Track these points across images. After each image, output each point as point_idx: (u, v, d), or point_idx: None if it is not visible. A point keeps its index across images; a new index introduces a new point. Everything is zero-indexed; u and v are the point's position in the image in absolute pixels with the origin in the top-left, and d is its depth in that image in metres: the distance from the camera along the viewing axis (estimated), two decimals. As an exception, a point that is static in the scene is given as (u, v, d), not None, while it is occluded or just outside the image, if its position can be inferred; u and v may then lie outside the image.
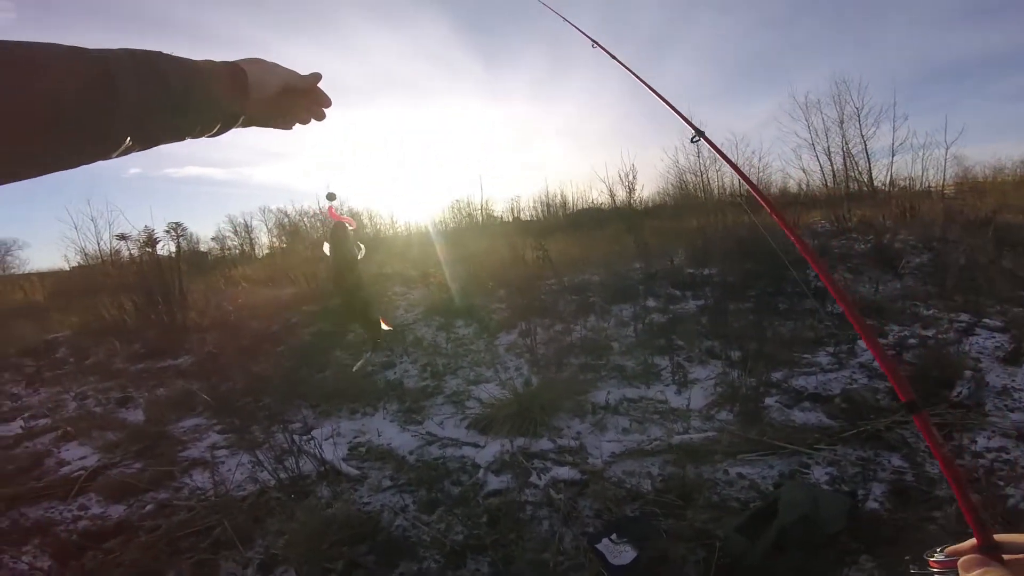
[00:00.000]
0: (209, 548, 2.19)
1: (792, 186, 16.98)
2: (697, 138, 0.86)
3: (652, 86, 1.07)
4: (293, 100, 0.74)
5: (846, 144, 16.98)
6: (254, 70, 0.66)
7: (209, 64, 0.63)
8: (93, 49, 0.52)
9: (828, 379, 3.24)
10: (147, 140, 0.59)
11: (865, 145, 16.63)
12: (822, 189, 16.43)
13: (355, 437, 3.09)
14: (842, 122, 17.04)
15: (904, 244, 6.42)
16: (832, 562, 1.75)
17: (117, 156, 0.58)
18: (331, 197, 0.88)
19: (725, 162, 0.83)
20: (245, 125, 0.71)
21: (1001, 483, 2.11)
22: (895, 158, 15.55)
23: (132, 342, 5.37)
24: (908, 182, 14.16)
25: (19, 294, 8.94)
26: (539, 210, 15.66)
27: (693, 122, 0.89)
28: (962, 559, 0.46)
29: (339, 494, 2.50)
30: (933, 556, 0.48)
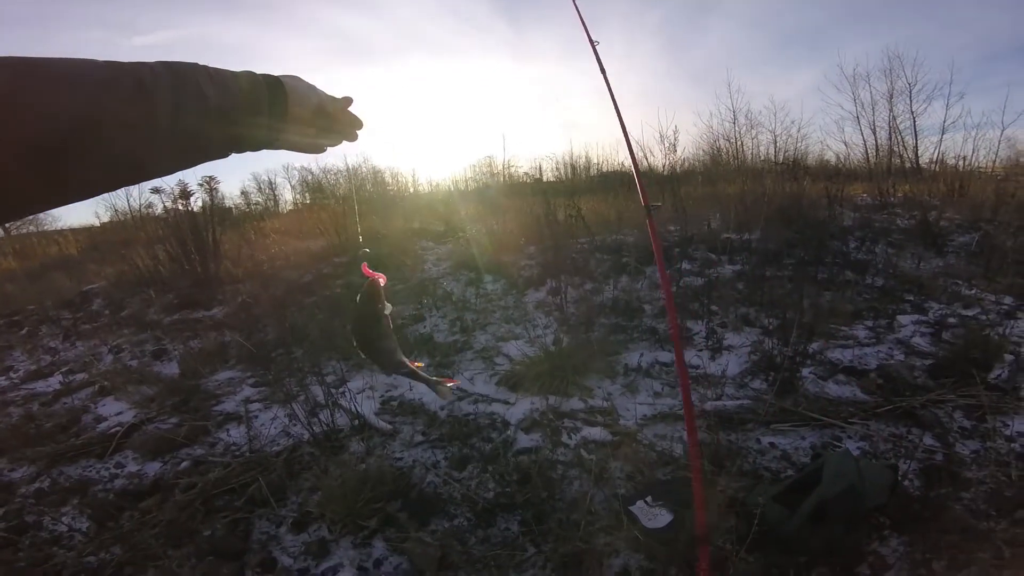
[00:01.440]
0: (243, 506, 2.22)
1: (831, 158, 16.34)
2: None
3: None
4: (327, 122, 0.74)
5: (893, 119, 16.18)
6: (293, 86, 0.66)
7: (249, 76, 0.62)
8: (128, 63, 0.50)
9: (864, 353, 3.15)
10: (185, 157, 0.58)
11: (914, 121, 15.84)
12: (863, 163, 15.79)
13: (387, 391, 3.11)
14: (891, 96, 16.20)
15: (950, 223, 6.14)
16: (863, 536, 1.71)
17: (155, 176, 0.57)
18: (364, 256, 0.87)
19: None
20: (278, 147, 0.71)
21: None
22: (945, 136, 14.79)
23: (166, 293, 5.47)
24: (958, 161, 13.48)
25: (54, 248, 9.19)
26: (564, 171, 15.36)
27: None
28: None
29: (372, 449, 2.52)
30: None
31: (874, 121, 16.58)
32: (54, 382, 3.85)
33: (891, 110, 16.24)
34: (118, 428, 2.92)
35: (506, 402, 2.86)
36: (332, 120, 0.74)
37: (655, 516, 1.79)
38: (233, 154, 0.64)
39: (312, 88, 0.70)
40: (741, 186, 7.11)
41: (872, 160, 16.06)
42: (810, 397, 2.67)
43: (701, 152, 16.85)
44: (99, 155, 0.46)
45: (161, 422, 3.01)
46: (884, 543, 1.69)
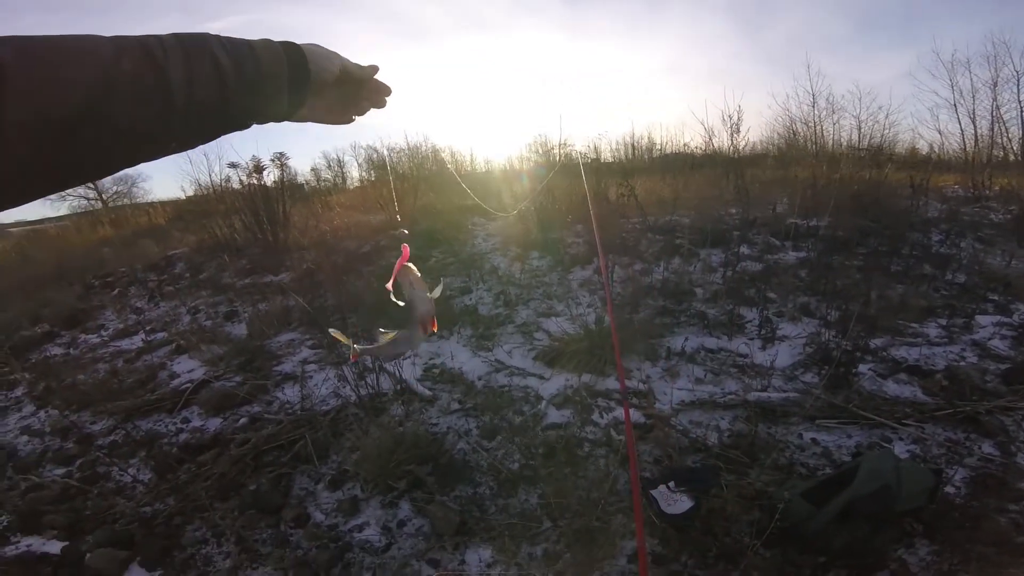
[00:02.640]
0: (289, 462, 2.36)
1: (923, 147, 15.04)
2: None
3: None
4: (352, 90, 0.70)
5: (997, 108, 14.66)
6: (313, 51, 0.62)
7: (266, 44, 0.58)
8: (134, 36, 0.48)
9: (933, 352, 2.91)
10: (203, 131, 0.55)
11: (1021, 111, 14.28)
12: (959, 154, 14.42)
13: (431, 359, 3.20)
14: (995, 84, 14.64)
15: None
16: (890, 540, 1.60)
17: (174, 151, 0.55)
18: (403, 236, 0.84)
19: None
20: (302, 119, 0.68)
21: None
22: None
23: (240, 259, 5.84)
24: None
25: (144, 218, 9.98)
26: (623, 151, 14.91)
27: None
28: None
29: (411, 414, 2.61)
30: None
31: (974, 110, 15.08)
32: (137, 340, 4.24)
33: (995, 99, 14.70)
34: (188, 384, 3.18)
35: (541, 377, 2.87)
36: (358, 87, 0.70)
37: (675, 502, 1.76)
38: (254, 125, 0.61)
39: (334, 54, 0.65)
40: (813, 170, 6.68)
41: (969, 151, 14.65)
42: (864, 394, 2.51)
43: (776, 136, 15.93)
44: (114, 129, 0.45)
45: (227, 380, 3.25)
46: (912, 550, 1.59)
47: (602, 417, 2.46)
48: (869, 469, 1.58)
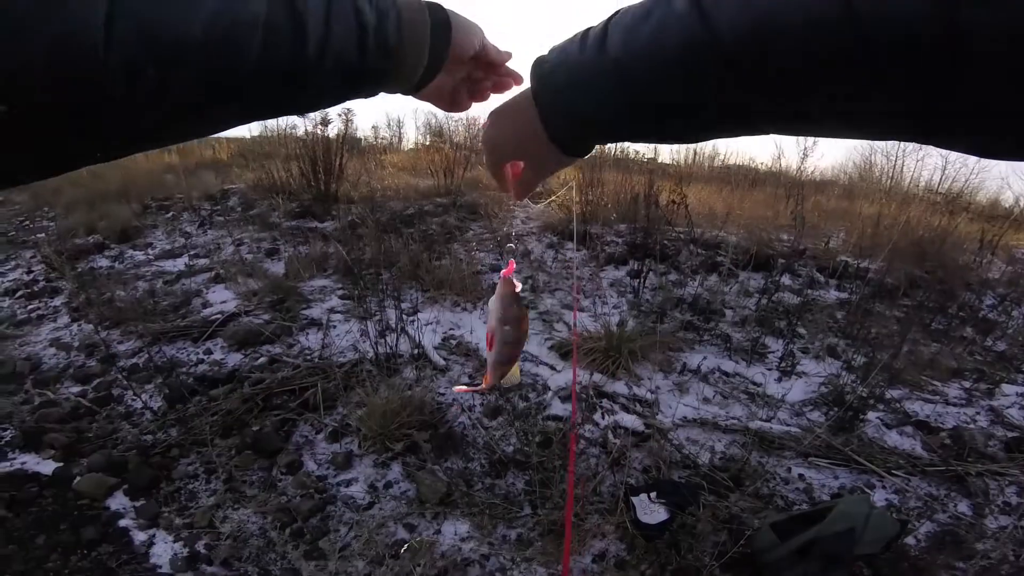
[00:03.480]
0: (296, 408, 2.46)
1: (1008, 198, 14.12)
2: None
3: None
4: (481, 74, 0.63)
5: None
6: (457, 20, 0.55)
7: (412, 3, 0.50)
8: None
9: (947, 411, 2.87)
10: (330, 92, 0.48)
11: None
12: (1047, 209, 13.50)
13: (450, 329, 3.29)
14: None
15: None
16: None
17: (291, 112, 0.50)
18: (510, 252, 0.76)
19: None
20: (421, 96, 0.59)
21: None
22: None
23: (291, 201, 6.04)
24: None
25: (208, 152, 10.38)
26: (683, 155, 14.58)
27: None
28: None
29: (422, 379, 2.71)
30: None
31: None
32: (180, 263, 4.47)
33: None
34: (219, 315, 3.32)
35: (553, 367, 2.93)
36: (487, 71, 0.62)
37: (652, 512, 1.81)
38: (381, 94, 0.54)
39: (476, 27, 0.57)
40: (880, 208, 6.42)
41: (1055, 210, 13.70)
42: (865, 440, 2.51)
43: (852, 163, 15.26)
44: (233, 71, 0.39)
45: (255, 316, 3.38)
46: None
47: (603, 418, 2.51)
48: (842, 511, 1.61)
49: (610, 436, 2.38)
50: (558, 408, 2.57)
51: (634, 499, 1.89)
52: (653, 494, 1.90)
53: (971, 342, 3.77)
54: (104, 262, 4.70)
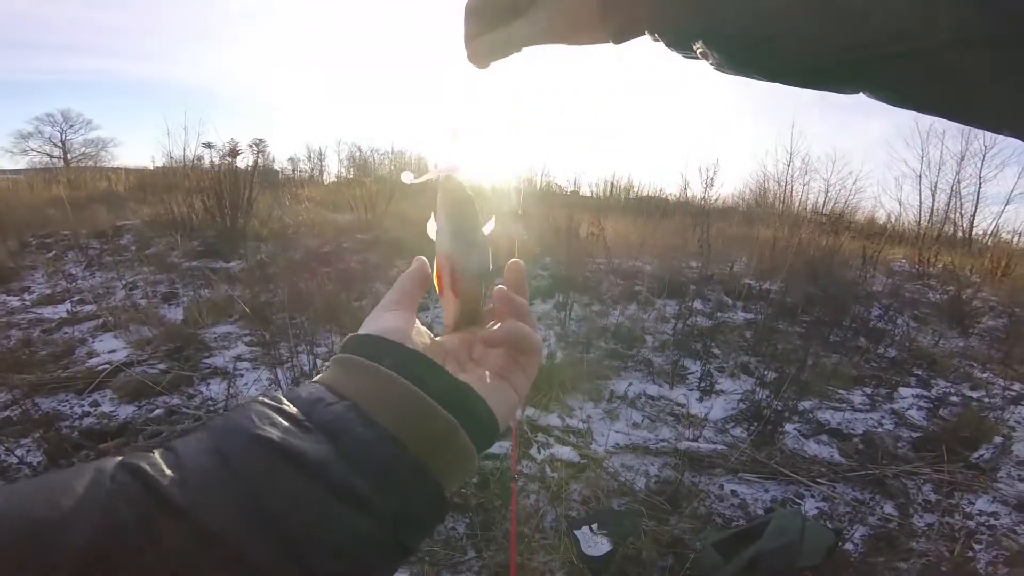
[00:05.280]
0: None
1: (881, 216, 15.88)
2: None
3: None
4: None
5: (958, 182, 15.61)
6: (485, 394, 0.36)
7: (409, 402, 0.32)
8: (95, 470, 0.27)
9: (855, 418, 3.13)
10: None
11: (980, 187, 15.25)
12: (913, 226, 15.27)
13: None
14: (962, 158, 15.62)
15: (984, 303, 5.95)
16: None
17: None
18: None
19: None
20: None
21: (976, 546, 2.10)
22: (1008, 207, 14.24)
23: (192, 239, 5.66)
24: (1014, 236, 12.96)
25: (104, 184, 9.58)
26: (601, 188, 15.26)
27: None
28: None
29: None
30: None
31: (936, 182, 16.03)
32: (62, 309, 4.00)
33: (958, 172, 15.65)
34: (107, 366, 2.97)
35: (485, 405, 2.88)
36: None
37: (595, 544, 1.79)
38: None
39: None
40: (775, 232, 6.99)
41: (923, 224, 15.52)
42: (786, 452, 2.65)
43: (748, 191, 16.58)
44: None
45: (150, 366, 3.07)
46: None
47: (539, 452, 2.49)
48: (778, 526, 1.67)
49: (547, 469, 2.35)
50: (494, 447, 2.51)
51: (577, 532, 1.87)
52: (595, 525, 1.89)
53: (866, 351, 4.14)
54: (-29, 307, 4.12)
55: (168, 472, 0.26)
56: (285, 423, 0.29)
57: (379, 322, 0.38)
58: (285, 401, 0.30)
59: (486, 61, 0.44)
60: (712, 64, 0.34)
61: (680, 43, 0.35)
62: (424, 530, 0.31)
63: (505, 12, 0.41)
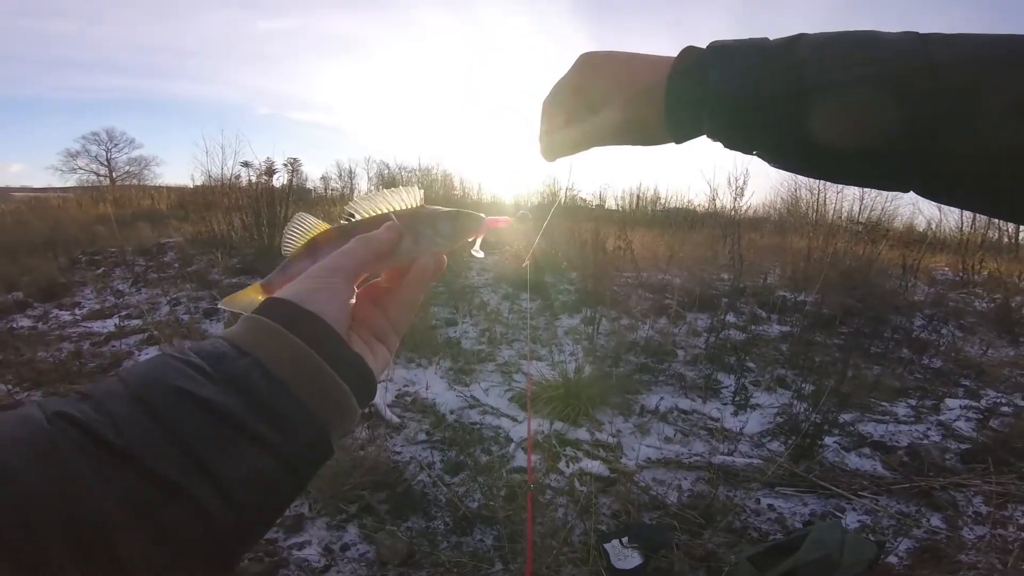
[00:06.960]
0: None
1: (920, 223, 15.30)
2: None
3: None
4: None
5: None
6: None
7: (293, 356, 0.37)
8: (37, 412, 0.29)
9: (899, 430, 3.00)
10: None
11: None
12: (956, 233, 14.65)
13: (405, 386, 3.19)
14: None
15: (1035, 311, 5.65)
16: None
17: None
18: (524, 219, 0.57)
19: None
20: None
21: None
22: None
23: (232, 257, 5.84)
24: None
25: (147, 201, 10.00)
26: (627, 200, 15.12)
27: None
28: None
29: (375, 438, 2.59)
30: None
31: None
32: (110, 324, 4.17)
33: None
34: (153, 378, 3.09)
35: (514, 419, 2.88)
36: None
37: (625, 557, 1.76)
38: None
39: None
40: (809, 242, 6.82)
41: (966, 230, 14.86)
42: (826, 465, 2.56)
43: (779, 200, 16.24)
44: None
45: (191, 379, 3.16)
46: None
47: (568, 467, 2.47)
48: (816, 538, 1.61)
49: (576, 483, 2.33)
50: (522, 460, 2.51)
51: (606, 546, 1.84)
52: (625, 539, 1.85)
53: (909, 362, 3.98)
54: (26, 322, 4.32)
55: (99, 418, 0.29)
56: (198, 376, 0.33)
57: (303, 285, 0.42)
58: (193, 355, 0.34)
59: (555, 157, 0.52)
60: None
61: (738, 150, 0.44)
62: (314, 469, 0.37)
63: (580, 111, 0.48)
